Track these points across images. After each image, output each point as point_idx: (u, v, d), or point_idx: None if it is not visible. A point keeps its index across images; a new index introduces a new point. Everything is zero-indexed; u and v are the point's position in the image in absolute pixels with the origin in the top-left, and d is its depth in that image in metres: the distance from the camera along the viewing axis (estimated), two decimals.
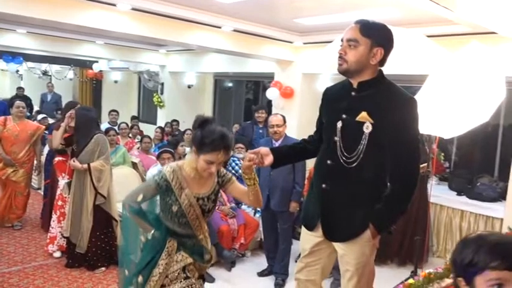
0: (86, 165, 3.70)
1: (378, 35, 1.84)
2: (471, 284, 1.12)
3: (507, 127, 5.08)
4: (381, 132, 1.81)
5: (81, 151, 3.75)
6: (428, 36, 3.51)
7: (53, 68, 11.73)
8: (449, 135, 3.27)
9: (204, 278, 2.35)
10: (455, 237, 4.70)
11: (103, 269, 3.83)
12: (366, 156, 1.84)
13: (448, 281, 2.91)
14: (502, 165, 4.99)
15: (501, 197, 4.51)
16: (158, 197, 2.19)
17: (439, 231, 4.79)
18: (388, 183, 1.90)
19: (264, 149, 2.09)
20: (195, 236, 2.21)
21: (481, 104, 2.91)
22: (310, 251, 2.10)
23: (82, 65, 10.96)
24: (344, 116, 1.90)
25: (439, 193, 4.79)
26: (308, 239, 2.10)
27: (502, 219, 4.26)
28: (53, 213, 4.12)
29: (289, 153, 2.23)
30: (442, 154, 5.48)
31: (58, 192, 4.13)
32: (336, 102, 1.99)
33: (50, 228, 4.11)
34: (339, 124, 1.90)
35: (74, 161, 3.72)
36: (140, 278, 2.15)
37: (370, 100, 1.86)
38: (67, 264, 3.87)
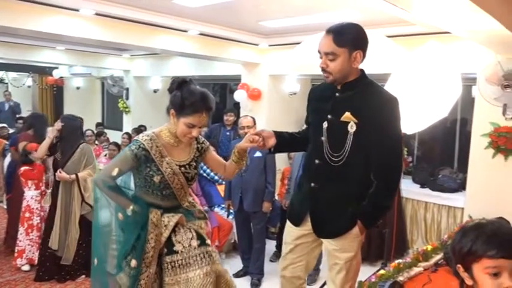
0: (73, 176, 3.63)
1: (352, 41, 1.85)
2: (469, 271, 1.18)
3: (463, 121, 5.36)
4: (364, 131, 1.86)
5: (66, 161, 3.66)
6: (388, 37, 3.68)
7: (10, 75, 11.27)
8: (412, 131, 3.44)
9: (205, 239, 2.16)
10: (420, 228, 4.91)
11: (83, 276, 3.76)
12: (351, 155, 1.89)
13: (417, 269, 3.06)
14: (460, 158, 5.26)
15: (461, 187, 4.75)
16: (131, 175, 2.05)
17: (405, 223, 4.98)
18: (373, 180, 1.94)
19: (267, 131, 2.07)
20: (180, 205, 2.11)
21: (439, 100, 3.08)
22: (294, 245, 2.12)
23: (41, 71, 10.57)
24: (329, 116, 1.94)
25: (403, 186, 4.97)
26: (291, 232, 2.14)
27: (462, 209, 4.49)
28: (20, 225, 3.98)
29: (290, 140, 2.20)
30: (406, 149, 5.71)
31: (24, 204, 3.99)
32: (321, 103, 2.03)
33: (18, 242, 3.96)
34: (325, 124, 1.94)
35: (60, 172, 3.61)
36: (134, 262, 1.98)
37: (354, 100, 1.90)
38: (36, 277, 3.73)
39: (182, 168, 2.04)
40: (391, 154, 1.92)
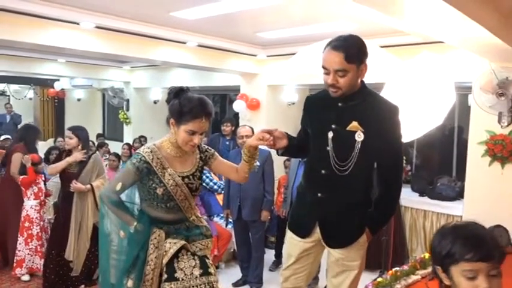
0: (89, 186, 3.69)
1: (360, 56, 1.87)
2: (448, 272, 1.21)
3: (460, 129, 5.39)
4: (370, 140, 1.89)
5: (80, 172, 3.70)
6: (382, 47, 3.73)
7: (12, 88, 11.37)
8: (408, 139, 3.47)
9: (209, 259, 2.14)
10: (419, 237, 4.91)
11: (83, 286, 3.77)
12: (357, 164, 1.91)
13: (414, 277, 3.07)
14: (458, 166, 5.28)
15: (459, 195, 4.76)
16: (136, 189, 2.03)
17: (405, 231, 4.98)
18: (377, 187, 1.98)
19: (279, 131, 2.03)
20: (186, 218, 2.07)
21: (433, 108, 3.13)
22: (297, 258, 2.11)
23: (43, 83, 10.68)
24: (334, 126, 1.94)
25: (402, 195, 4.94)
26: (296, 245, 2.11)
27: (461, 217, 4.49)
28: (19, 235, 4.00)
29: (297, 146, 2.15)
30: (404, 158, 5.73)
31: (24, 213, 4.02)
32: (322, 113, 2.03)
33: (17, 252, 3.98)
34: (330, 134, 1.94)
35: (76, 184, 3.63)
36: (130, 283, 1.95)
37: (359, 110, 1.92)
38: None
39: (186, 179, 2.01)
40: (396, 161, 1.98)
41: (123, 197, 2.05)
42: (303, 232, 2.09)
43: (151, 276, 1.96)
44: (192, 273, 2.02)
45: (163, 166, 1.97)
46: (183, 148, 1.99)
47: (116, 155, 5.97)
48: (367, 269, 4.18)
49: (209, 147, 2.20)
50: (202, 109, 1.93)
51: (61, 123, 10.97)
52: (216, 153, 2.19)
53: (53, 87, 10.51)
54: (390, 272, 2.99)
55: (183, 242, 2.01)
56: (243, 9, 3.76)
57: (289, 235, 2.17)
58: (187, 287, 1.98)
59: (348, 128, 1.91)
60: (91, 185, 3.71)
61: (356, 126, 1.89)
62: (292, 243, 2.14)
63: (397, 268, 3.05)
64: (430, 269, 3.16)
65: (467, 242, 1.17)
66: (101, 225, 2.17)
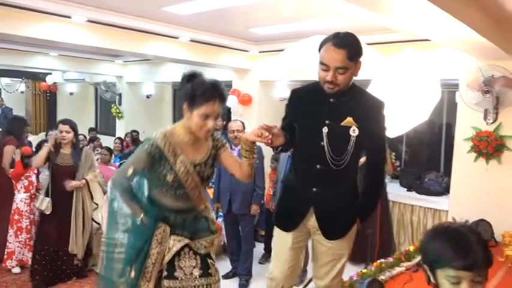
0: (84, 181, 3.75)
1: (359, 54, 1.93)
2: (433, 273, 1.24)
3: (448, 126, 5.49)
4: (363, 134, 1.96)
5: (76, 166, 3.74)
6: (369, 44, 3.79)
7: (3, 81, 11.29)
8: (394, 134, 3.55)
9: (212, 257, 2.11)
10: (407, 231, 5.01)
11: (74, 278, 3.83)
12: (351, 158, 1.98)
13: (399, 269, 3.14)
14: (446, 161, 5.38)
15: (446, 190, 4.86)
16: (145, 178, 1.99)
17: (392, 226, 5.07)
18: (363, 177, 2.09)
19: (277, 129, 1.98)
20: (195, 208, 2.04)
21: (419, 104, 3.20)
22: (288, 252, 2.11)
23: (35, 77, 10.62)
24: (327, 121, 1.97)
25: (391, 190, 5.07)
26: (286, 238, 2.11)
27: (447, 212, 4.59)
28: (10, 228, 4.02)
29: (290, 141, 2.12)
30: (394, 154, 5.82)
31: (14, 206, 4.03)
32: (313, 108, 2.05)
33: (7, 244, 4.00)
34: (325, 130, 1.97)
35: (69, 182, 3.66)
36: (133, 273, 1.94)
37: (351, 106, 1.98)
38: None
39: (197, 167, 1.97)
40: (382, 152, 2.13)
41: (133, 185, 2.01)
42: (291, 225, 2.11)
43: (151, 269, 1.94)
44: (192, 273, 2.00)
45: (176, 152, 1.93)
46: (197, 134, 1.95)
47: (108, 149, 5.98)
48: (353, 261, 4.32)
49: (220, 137, 2.15)
50: (215, 91, 1.90)
51: (53, 117, 10.92)
52: (227, 145, 2.14)
53: (45, 81, 10.47)
54: (375, 263, 3.06)
55: (187, 241, 1.99)
56: (236, 4, 3.80)
57: (276, 232, 2.18)
58: (185, 287, 1.97)
59: (342, 124, 1.96)
60: (85, 179, 3.76)
61: (351, 121, 1.95)
62: (280, 240, 2.15)
63: (382, 260, 3.13)
64: (414, 261, 3.25)
65: (455, 248, 1.18)
66: (110, 211, 2.10)
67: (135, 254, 1.95)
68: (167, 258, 1.96)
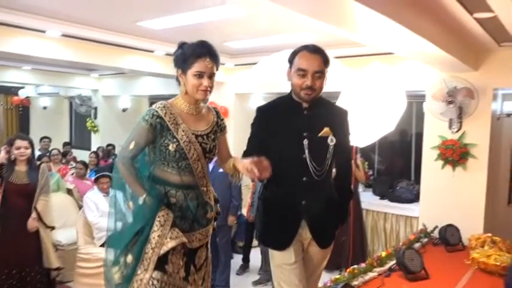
0: (34, 215, 3.47)
1: (329, 61, 2.06)
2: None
3: (418, 135, 5.69)
4: (338, 142, 2.08)
5: (34, 185, 3.49)
6: (338, 57, 3.95)
7: None
8: (363, 144, 3.68)
9: (208, 247, 2.11)
10: (380, 238, 5.14)
11: None
12: (329, 167, 2.09)
13: (372, 274, 3.25)
14: (416, 170, 5.56)
15: (417, 197, 5.01)
16: (148, 156, 1.97)
17: (366, 234, 5.19)
18: (334, 180, 2.20)
19: (266, 162, 1.85)
20: (197, 186, 1.98)
21: (386, 115, 3.35)
22: (296, 265, 2.11)
23: (6, 91, 10.40)
24: (306, 133, 2.04)
25: (364, 198, 5.21)
26: (288, 257, 2.10)
27: (418, 218, 4.75)
28: None
29: None
30: (366, 163, 5.98)
31: None
32: (289, 122, 2.09)
33: None
34: (305, 142, 2.03)
35: (34, 219, 3.45)
36: (130, 258, 1.87)
37: (325, 116, 2.09)
38: None
39: (199, 138, 1.96)
40: (349, 155, 2.28)
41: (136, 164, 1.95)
42: (285, 243, 2.09)
43: (150, 255, 1.84)
44: (178, 272, 1.95)
45: (177, 122, 1.92)
46: (195, 96, 1.94)
47: (83, 163, 5.94)
48: (327, 269, 4.39)
49: (224, 119, 2.17)
50: (204, 47, 1.90)
51: (25, 132, 10.63)
52: (227, 130, 2.17)
53: (17, 95, 10.26)
54: (348, 270, 3.15)
55: (184, 240, 1.89)
56: (209, 20, 3.89)
57: (273, 254, 2.15)
58: (171, 284, 1.90)
59: (320, 135, 2.05)
60: (36, 209, 3.49)
61: (328, 131, 2.05)
62: (281, 260, 2.11)
63: (355, 266, 3.22)
64: (386, 266, 3.36)
65: None
66: (111, 196, 2.07)
67: (133, 236, 1.87)
68: (162, 251, 1.86)
